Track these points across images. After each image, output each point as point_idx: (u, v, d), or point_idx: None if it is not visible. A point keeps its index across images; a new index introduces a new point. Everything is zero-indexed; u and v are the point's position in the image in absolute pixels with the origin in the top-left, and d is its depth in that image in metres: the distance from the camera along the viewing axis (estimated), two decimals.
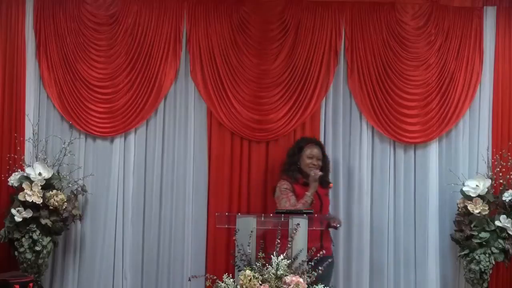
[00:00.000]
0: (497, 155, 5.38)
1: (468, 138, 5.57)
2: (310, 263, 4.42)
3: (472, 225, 5.18)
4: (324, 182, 5.13)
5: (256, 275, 4.29)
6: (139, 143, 5.55)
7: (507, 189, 5.26)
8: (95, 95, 5.50)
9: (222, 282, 4.38)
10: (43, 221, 5.09)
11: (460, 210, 5.28)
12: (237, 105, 5.50)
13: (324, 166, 5.18)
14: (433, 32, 5.53)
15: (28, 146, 5.39)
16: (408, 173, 5.53)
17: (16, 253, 5.11)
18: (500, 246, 5.15)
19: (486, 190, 5.21)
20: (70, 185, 5.36)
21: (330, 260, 4.94)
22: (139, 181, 5.52)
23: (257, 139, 5.52)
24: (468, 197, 5.22)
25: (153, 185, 5.52)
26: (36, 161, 5.29)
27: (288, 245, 4.47)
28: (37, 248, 5.07)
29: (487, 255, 5.13)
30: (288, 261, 4.37)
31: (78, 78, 5.49)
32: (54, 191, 5.15)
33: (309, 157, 5.12)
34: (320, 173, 5.01)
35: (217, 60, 5.50)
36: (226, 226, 5.06)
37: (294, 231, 4.56)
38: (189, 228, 5.47)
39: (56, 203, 5.11)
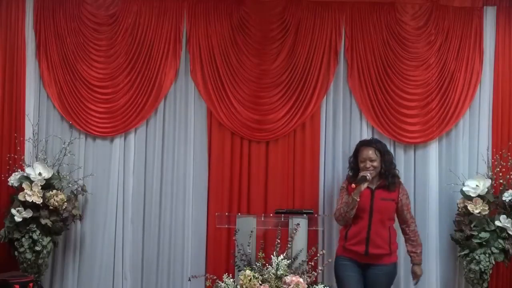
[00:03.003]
0: (497, 155, 5.38)
1: (468, 138, 5.56)
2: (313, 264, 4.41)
3: (472, 225, 5.18)
4: (391, 185, 4.89)
5: (256, 275, 4.29)
6: (139, 143, 5.55)
7: (507, 189, 5.26)
8: (95, 95, 5.50)
9: (222, 282, 4.38)
10: (43, 221, 5.09)
11: (460, 210, 5.29)
12: (237, 105, 5.50)
13: (382, 166, 4.92)
14: (433, 32, 5.53)
15: (28, 146, 5.39)
16: (408, 173, 5.52)
17: (16, 253, 5.11)
18: (500, 246, 5.15)
19: (486, 190, 5.21)
20: (70, 185, 5.36)
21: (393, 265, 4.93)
22: (139, 181, 5.52)
23: (257, 139, 5.52)
24: (468, 197, 5.22)
25: (153, 185, 5.52)
26: (36, 161, 5.30)
27: (288, 245, 4.48)
28: (37, 248, 5.07)
29: (487, 255, 5.13)
30: (288, 261, 4.38)
31: (78, 78, 5.50)
32: (54, 191, 5.15)
33: (362, 161, 4.93)
34: (366, 174, 4.79)
35: (217, 60, 5.50)
36: (226, 226, 5.08)
37: (294, 231, 4.56)
38: (189, 228, 5.48)
39: (56, 203, 5.11)
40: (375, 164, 4.91)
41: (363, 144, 5.05)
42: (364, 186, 4.80)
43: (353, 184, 4.78)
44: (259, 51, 5.51)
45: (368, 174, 4.81)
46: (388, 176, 4.92)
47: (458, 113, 5.52)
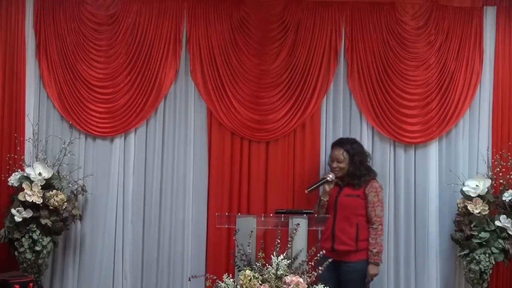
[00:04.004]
0: (497, 155, 5.38)
1: (468, 138, 5.56)
2: (310, 263, 4.41)
3: (472, 225, 5.18)
4: (356, 185, 5.07)
5: (256, 275, 4.28)
6: (139, 143, 5.55)
7: (507, 189, 5.26)
8: (95, 95, 5.50)
9: (222, 282, 4.38)
10: (43, 221, 5.09)
11: (460, 210, 5.28)
12: (237, 105, 5.50)
13: (349, 168, 5.10)
14: (433, 32, 5.52)
15: (28, 146, 5.39)
16: (408, 173, 5.52)
17: (16, 253, 5.11)
18: (500, 246, 5.15)
19: (486, 190, 5.20)
20: (70, 185, 5.36)
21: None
22: (139, 181, 5.52)
23: (257, 139, 5.52)
24: (468, 197, 5.22)
25: (153, 185, 5.52)
26: (36, 161, 5.29)
27: (288, 245, 4.47)
28: (37, 248, 5.07)
29: (487, 255, 5.13)
30: (288, 261, 4.37)
31: (78, 78, 5.49)
32: (54, 191, 5.15)
33: (331, 160, 5.17)
34: (327, 176, 5.05)
35: (217, 60, 5.50)
36: (226, 226, 5.07)
37: (294, 231, 4.56)
38: (189, 228, 5.48)
39: (56, 203, 5.11)
40: (341, 165, 5.10)
41: (335, 143, 5.22)
42: (330, 186, 5.07)
43: (306, 190, 5.05)
44: (259, 51, 5.50)
45: (330, 176, 5.07)
46: (354, 176, 5.06)
47: (458, 113, 5.51)
